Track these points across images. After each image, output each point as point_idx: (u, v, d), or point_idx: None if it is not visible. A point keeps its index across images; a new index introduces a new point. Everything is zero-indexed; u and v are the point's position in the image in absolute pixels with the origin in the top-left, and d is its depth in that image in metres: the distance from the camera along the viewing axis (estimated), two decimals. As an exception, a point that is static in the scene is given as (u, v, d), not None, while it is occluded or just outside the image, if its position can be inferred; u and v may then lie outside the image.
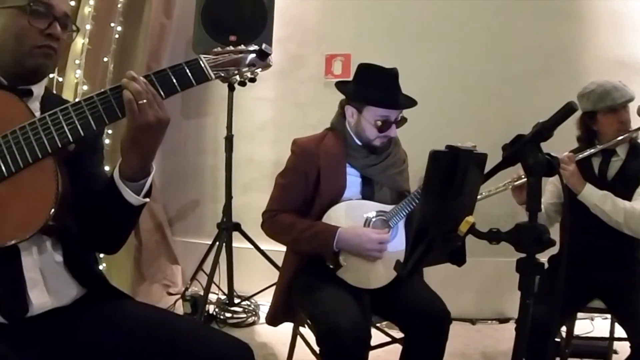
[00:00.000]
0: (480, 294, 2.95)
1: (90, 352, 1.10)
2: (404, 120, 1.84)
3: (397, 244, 1.80)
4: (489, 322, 2.90)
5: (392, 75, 1.81)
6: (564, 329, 2.07)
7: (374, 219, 1.78)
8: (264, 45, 1.16)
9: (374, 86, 1.80)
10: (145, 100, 1.00)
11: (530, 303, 1.01)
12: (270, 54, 1.16)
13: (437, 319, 1.64)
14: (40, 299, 1.09)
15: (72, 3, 2.75)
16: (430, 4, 3.01)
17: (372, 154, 1.85)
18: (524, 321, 1.03)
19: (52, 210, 0.99)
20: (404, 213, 1.79)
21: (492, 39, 2.95)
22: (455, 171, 1.11)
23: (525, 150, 1.04)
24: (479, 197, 1.78)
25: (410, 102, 1.84)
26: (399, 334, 1.79)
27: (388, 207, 1.80)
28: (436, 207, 1.14)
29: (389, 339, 1.91)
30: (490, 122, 2.86)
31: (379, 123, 1.78)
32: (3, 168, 1.00)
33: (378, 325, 1.94)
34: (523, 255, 1.02)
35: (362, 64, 1.87)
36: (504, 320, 2.89)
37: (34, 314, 1.08)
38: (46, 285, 1.11)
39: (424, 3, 3.01)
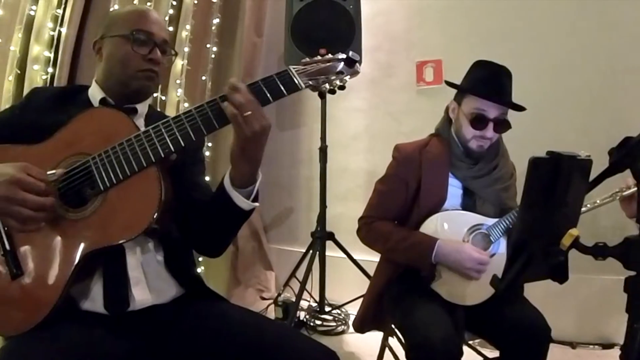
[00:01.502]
0: (583, 314, 2.65)
1: (184, 348, 1.16)
2: (506, 124, 1.72)
3: (498, 259, 1.67)
4: (591, 346, 2.60)
5: (498, 69, 1.71)
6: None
7: (474, 232, 1.69)
8: (350, 53, 1.17)
9: (477, 78, 1.72)
10: (249, 112, 1.06)
11: (639, 328, 0.90)
12: (357, 61, 1.17)
13: (536, 335, 1.51)
14: (142, 296, 1.18)
15: (171, 28, 3.00)
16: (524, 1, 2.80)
17: (476, 164, 1.75)
18: (631, 348, 0.91)
19: (156, 214, 1.08)
20: (506, 227, 1.67)
21: (595, 33, 2.66)
22: (558, 179, 1.03)
23: (635, 155, 0.94)
24: (583, 209, 1.63)
25: (514, 104, 1.71)
26: (491, 353, 1.69)
27: (490, 220, 1.69)
28: (537, 219, 1.06)
29: (481, 358, 1.81)
30: (595, 123, 2.59)
31: (473, 116, 1.68)
32: (112, 176, 1.10)
33: (470, 342, 1.85)
34: (632, 273, 0.91)
35: (477, 60, 1.78)
36: (607, 346, 2.58)
37: (135, 309, 1.17)
38: (148, 283, 1.20)
39: (517, 1, 2.82)
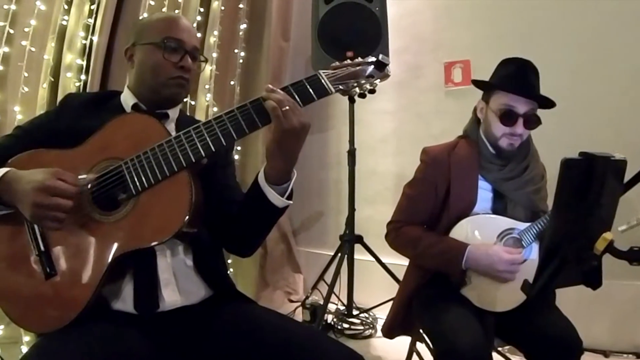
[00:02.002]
0: (617, 322, 2.54)
1: (212, 349, 1.18)
2: (536, 120, 1.67)
3: (530, 264, 1.60)
4: (625, 355, 2.49)
5: (524, 64, 1.68)
6: None
7: (505, 237, 1.64)
8: (380, 56, 1.17)
9: (504, 75, 1.69)
10: (287, 107, 1.08)
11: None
12: (387, 64, 1.17)
13: (567, 347, 1.46)
14: (171, 297, 1.20)
15: (199, 35, 3.03)
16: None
17: (506, 165, 1.71)
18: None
19: (187, 217, 1.09)
20: (538, 231, 1.62)
21: (628, 29, 2.56)
22: (591, 181, 1.00)
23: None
24: (624, 226, 1.54)
25: (543, 99, 1.66)
26: (521, 360, 1.65)
27: (521, 224, 1.65)
28: (569, 222, 1.04)
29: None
30: (629, 123, 2.50)
31: (502, 112, 1.65)
32: (144, 180, 1.12)
33: (500, 349, 1.81)
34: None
35: (504, 58, 1.75)
36: (642, 355, 2.47)
37: (165, 310, 1.19)
38: (177, 285, 1.22)
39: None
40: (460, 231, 1.66)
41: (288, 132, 1.09)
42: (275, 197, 1.18)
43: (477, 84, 1.78)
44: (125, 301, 1.16)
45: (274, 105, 1.08)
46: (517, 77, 1.66)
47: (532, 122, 1.67)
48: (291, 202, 1.20)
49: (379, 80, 1.18)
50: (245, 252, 1.38)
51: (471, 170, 1.71)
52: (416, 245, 1.69)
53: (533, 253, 1.65)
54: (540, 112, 1.69)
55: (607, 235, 0.95)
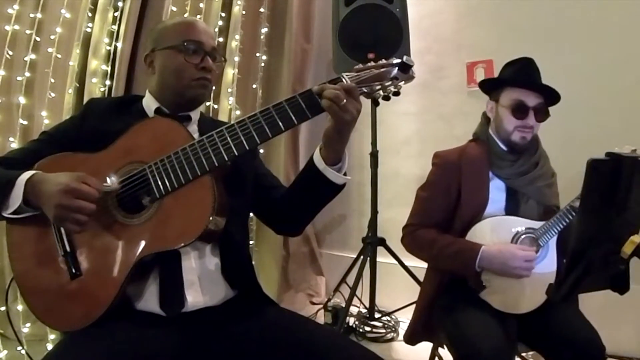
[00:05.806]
0: None
1: (233, 349, 1.18)
2: (546, 112, 1.72)
3: (547, 264, 1.63)
4: None
5: (529, 61, 1.75)
6: None
7: (522, 237, 1.64)
8: (405, 58, 1.15)
9: (510, 72, 1.76)
10: (345, 100, 1.10)
11: None
12: (412, 66, 1.16)
13: (589, 353, 1.44)
14: (195, 298, 1.22)
15: (220, 39, 3.10)
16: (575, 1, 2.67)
17: (517, 160, 1.73)
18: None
19: (209, 220, 1.11)
20: (555, 230, 1.63)
21: None
22: (618, 182, 0.98)
23: None
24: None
25: (550, 90, 1.70)
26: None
27: (537, 224, 1.65)
28: (596, 225, 1.02)
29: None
30: None
31: (514, 106, 1.70)
32: (167, 184, 1.14)
33: (523, 354, 1.77)
34: None
35: (508, 61, 1.81)
36: (670, 362, 2.38)
37: (188, 310, 1.20)
38: (201, 286, 1.23)
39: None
40: (477, 233, 1.67)
41: (348, 122, 1.13)
42: (336, 176, 1.23)
43: (486, 83, 1.83)
44: (149, 301, 1.18)
45: (329, 104, 1.10)
46: (524, 73, 1.73)
47: (542, 114, 1.73)
48: (349, 177, 1.25)
49: (403, 82, 1.17)
50: (296, 231, 1.46)
51: (482, 169, 1.75)
52: (431, 247, 1.70)
53: (551, 264, 1.64)
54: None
55: (635, 239, 0.93)
